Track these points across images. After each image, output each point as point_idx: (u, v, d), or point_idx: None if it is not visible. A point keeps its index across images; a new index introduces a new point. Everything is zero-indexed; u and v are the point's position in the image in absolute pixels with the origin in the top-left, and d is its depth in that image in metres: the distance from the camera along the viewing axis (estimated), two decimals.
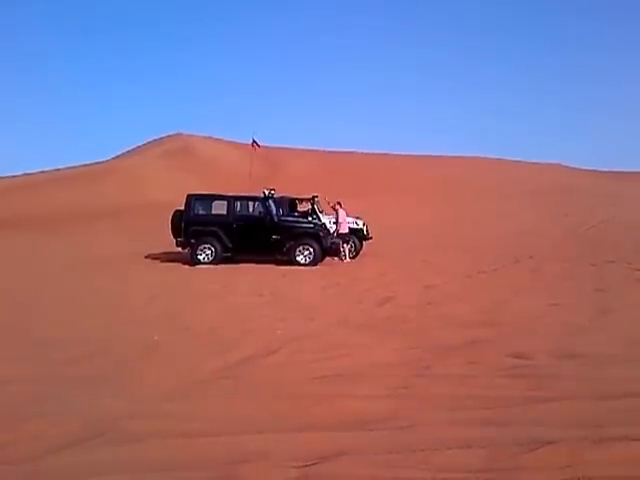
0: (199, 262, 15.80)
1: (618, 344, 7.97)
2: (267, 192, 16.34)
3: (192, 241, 15.81)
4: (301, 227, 15.88)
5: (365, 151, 72.95)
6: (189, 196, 16.27)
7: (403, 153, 73.01)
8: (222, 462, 4.21)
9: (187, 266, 16.21)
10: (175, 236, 16.51)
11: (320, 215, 17.49)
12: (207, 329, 8.83)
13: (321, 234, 15.70)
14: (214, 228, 15.50)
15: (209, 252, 15.69)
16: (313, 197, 17.88)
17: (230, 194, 16.74)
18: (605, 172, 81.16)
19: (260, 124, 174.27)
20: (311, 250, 15.46)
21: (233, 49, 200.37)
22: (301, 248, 15.49)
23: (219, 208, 16.20)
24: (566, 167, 75.50)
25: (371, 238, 19.04)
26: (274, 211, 15.97)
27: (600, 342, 8.06)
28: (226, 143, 77.26)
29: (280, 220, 15.88)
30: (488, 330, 8.45)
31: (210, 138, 77.23)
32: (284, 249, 15.63)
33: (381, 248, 20.18)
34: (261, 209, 15.93)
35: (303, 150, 72.04)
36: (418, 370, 6.47)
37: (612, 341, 8.14)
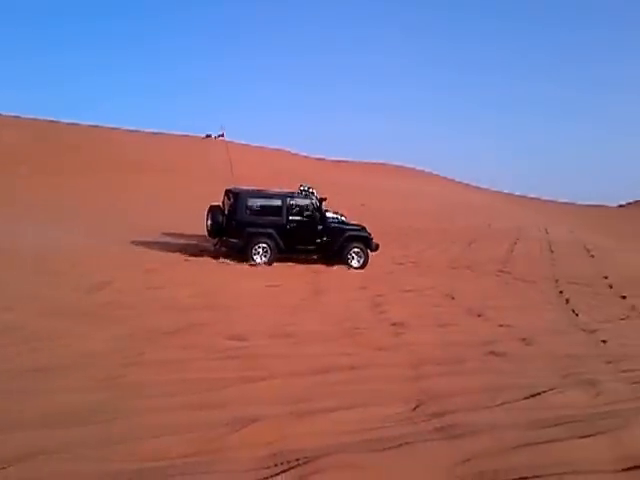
0: (254, 262, 13.96)
1: (325, 322, 8.68)
2: (309, 189, 15.33)
3: (243, 243, 14.02)
4: (350, 229, 15.18)
5: (91, 124, 66.26)
6: (239, 193, 14.45)
7: (133, 128, 68.43)
8: None
9: None
10: (218, 235, 14.62)
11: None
12: None
13: (370, 236, 15.16)
14: (270, 230, 14.13)
15: (265, 252, 14.12)
16: (323, 199, 15.78)
17: (283, 192, 15.15)
18: (329, 160, 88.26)
19: None
20: (362, 254, 14.86)
21: None
22: (354, 251, 14.83)
23: (269, 206, 14.53)
24: (290, 153, 79.97)
25: None
26: (323, 211, 15.13)
27: (311, 321, 8.68)
28: None
29: (328, 221, 15.06)
30: (206, 313, 8.52)
31: None
32: (334, 251, 14.78)
33: (99, 230, 18.88)
34: (311, 210, 14.73)
35: (16, 118, 63.15)
36: (132, 358, 6.22)
37: (322, 320, 8.83)
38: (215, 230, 14.53)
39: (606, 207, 79.45)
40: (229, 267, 13.36)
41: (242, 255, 13.90)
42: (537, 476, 4.06)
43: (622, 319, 11.31)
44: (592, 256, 22.78)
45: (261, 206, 14.37)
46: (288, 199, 14.56)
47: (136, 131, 65.67)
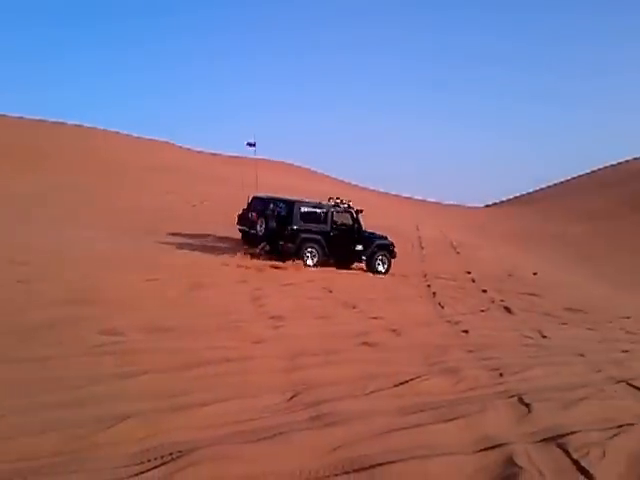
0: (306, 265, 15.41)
1: (204, 316, 8.61)
2: (342, 201, 16.65)
3: (296, 247, 15.42)
4: (377, 239, 16.68)
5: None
6: (294, 203, 15.86)
7: None
8: None
9: None
10: (269, 240, 15.71)
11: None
12: None
13: (392, 246, 16.74)
14: (318, 236, 15.66)
15: (313, 256, 15.61)
16: (360, 210, 17.08)
17: (328, 203, 16.52)
18: (213, 154, 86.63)
19: None
20: (386, 260, 16.48)
21: None
22: (380, 258, 16.41)
23: (317, 216, 15.94)
24: (177, 146, 77.76)
25: None
26: (360, 222, 16.60)
27: (189, 315, 8.56)
28: None
29: (361, 231, 16.55)
30: (81, 308, 8.12)
31: None
32: (363, 258, 16.36)
33: None
34: (350, 221, 16.33)
35: None
36: None
37: (199, 313, 8.74)
38: (268, 235, 15.72)
39: (472, 207, 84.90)
40: (111, 259, 12.78)
41: (295, 258, 15.13)
42: (403, 459, 4.32)
43: (482, 311, 12.23)
44: (458, 253, 24.34)
45: (310, 215, 15.81)
46: (332, 210, 16.12)
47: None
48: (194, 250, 15.36)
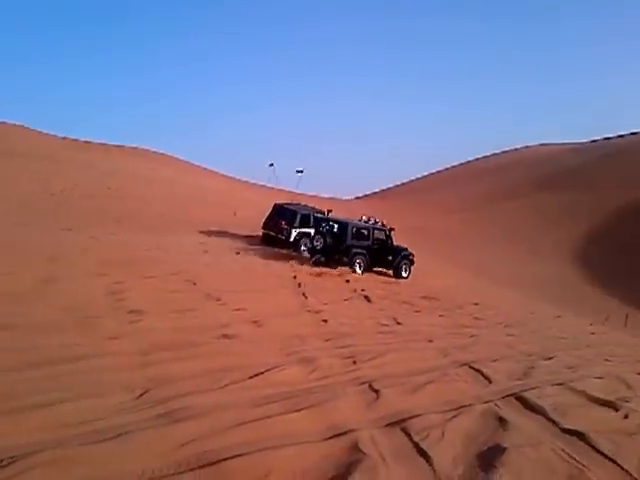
0: (355, 272, 18.38)
1: (54, 312, 8.10)
2: (378, 221, 20.39)
3: (349, 260, 18.50)
4: (402, 250, 20.08)
5: None
6: (347, 224, 18.98)
7: None
8: None
9: None
10: (325, 253, 18.65)
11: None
12: None
13: (412, 255, 20.28)
14: (364, 250, 18.85)
15: (361, 266, 18.65)
16: (392, 228, 20.64)
17: (369, 224, 19.87)
18: (66, 139, 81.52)
19: None
20: (408, 268, 20.08)
21: None
22: (404, 266, 19.96)
23: (362, 233, 19.25)
24: (30, 129, 72.41)
25: None
26: (392, 238, 20.22)
27: (36, 311, 8.03)
28: None
29: (392, 245, 20.05)
30: None
31: None
32: (393, 266, 19.77)
33: None
34: (384, 236, 19.85)
35: None
36: None
37: (49, 309, 8.22)
38: (324, 249, 18.66)
39: (342, 199, 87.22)
40: None
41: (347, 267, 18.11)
42: (250, 452, 4.36)
43: (345, 300, 12.62)
44: None
45: (358, 233, 19.19)
46: (372, 229, 19.66)
47: None
48: (46, 240, 14.46)
